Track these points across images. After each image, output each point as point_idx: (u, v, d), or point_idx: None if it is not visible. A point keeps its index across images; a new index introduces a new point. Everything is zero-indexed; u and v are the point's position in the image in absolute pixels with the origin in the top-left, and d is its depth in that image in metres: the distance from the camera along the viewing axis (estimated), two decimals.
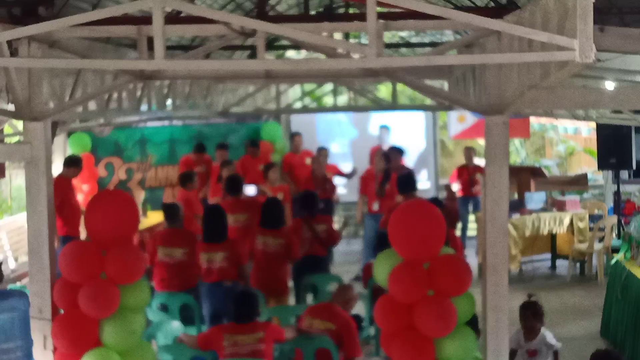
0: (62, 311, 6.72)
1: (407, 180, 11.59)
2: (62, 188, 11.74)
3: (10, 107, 7.15)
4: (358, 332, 8.36)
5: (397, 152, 14.28)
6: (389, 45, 14.89)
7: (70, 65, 6.67)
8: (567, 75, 5.01)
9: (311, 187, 14.25)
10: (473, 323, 6.67)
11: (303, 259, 10.25)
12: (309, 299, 10.31)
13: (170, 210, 10.24)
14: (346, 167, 16.42)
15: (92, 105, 10.08)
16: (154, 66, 5.27)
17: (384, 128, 16.80)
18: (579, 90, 7.39)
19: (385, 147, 15.56)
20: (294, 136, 16.31)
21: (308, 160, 15.66)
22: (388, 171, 13.54)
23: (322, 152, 15.29)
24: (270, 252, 9.90)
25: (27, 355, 5.95)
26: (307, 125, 17.73)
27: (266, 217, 10.09)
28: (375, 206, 13.72)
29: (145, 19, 6.12)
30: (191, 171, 12.88)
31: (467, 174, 15.63)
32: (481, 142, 17.05)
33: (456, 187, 15.59)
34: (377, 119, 18.08)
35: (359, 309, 9.31)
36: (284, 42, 12.32)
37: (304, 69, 8.39)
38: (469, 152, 15.85)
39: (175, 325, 8.64)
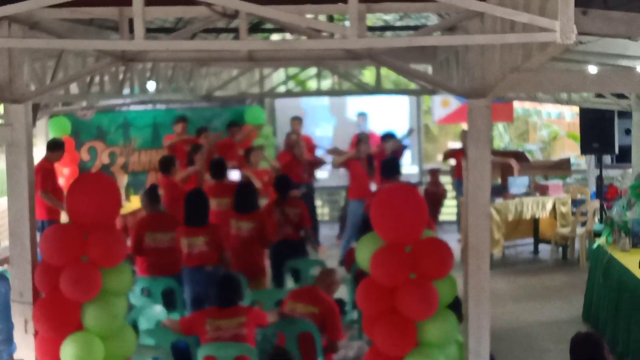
0: (43, 295, 6.68)
1: (390, 165, 11.63)
2: (44, 172, 11.72)
3: None
4: (341, 316, 8.37)
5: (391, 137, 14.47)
6: (373, 29, 14.85)
7: (49, 46, 6.61)
8: (549, 56, 5.00)
9: (298, 172, 14.34)
10: (456, 307, 6.67)
11: (278, 243, 10.28)
12: (291, 282, 10.34)
13: (150, 195, 10.19)
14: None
15: (74, 89, 10.04)
16: (133, 46, 5.23)
17: (362, 115, 16.84)
18: (561, 73, 7.40)
19: (364, 133, 15.66)
20: (293, 120, 16.27)
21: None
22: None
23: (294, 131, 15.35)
24: (244, 236, 9.92)
25: (7, 339, 5.88)
26: (291, 110, 17.68)
27: (239, 201, 10.10)
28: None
29: (126, 1, 6.07)
30: (172, 156, 12.82)
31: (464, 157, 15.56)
32: (465, 126, 17.08)
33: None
34: (356, 104, 18.05)
35: (342, 293, 9.33)
36: (268, 26, 12.29)
37: (287, 51, 8.36)
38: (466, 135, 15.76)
39: (158, 310, 8.62)
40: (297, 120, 16.13)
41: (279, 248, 10.37)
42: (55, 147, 12.45)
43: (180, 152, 14.35)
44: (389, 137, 14.75)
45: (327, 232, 16.61)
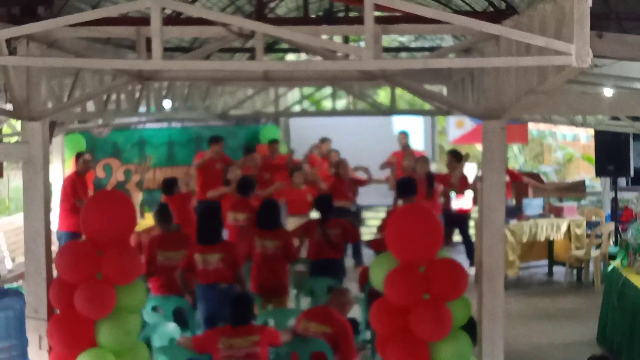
0: (57, 311, 6.70)
1: (406, 185, 11.62)
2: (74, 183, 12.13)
3: (9, 107, 7.15)
4: (354, 336, 8.35)
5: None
6: (388, 50, 14.90)
7: (67, 64, 6.68)
8: (564, 80, 5.02)
9: (343, 190, 14.43)
10: (470, 328, 6.65)
11: (316, 263, 10.30)
12: (306, 302, 10.32)
13: (162, 213, 10.21)
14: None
15: (90, 107, 10.09)
16: (151, 66, 5.28)
17: (403, 133, 16.78)
18: (576, 96, 7.40)
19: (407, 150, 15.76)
20: (322, 142, 16.37)
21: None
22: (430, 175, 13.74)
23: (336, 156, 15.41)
24: (269, 254, 9.91)
25: (22, 355, 5.93)
26: (306, 129, 17.74)
27: (263, 218, 10.11)
28: None
29: (144, 20, 6.13)
30: (174, 177, 12.91)
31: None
32: (479, 147, 17.09)
33: None
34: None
35: (355, 312, 9.31)
36: (284, 46, 12.34)
37: (302, 71, 8.40)
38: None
39: (171, 327, 8.61)
40: (326, 143, 16.19)
41: (316, 267, 10.39)
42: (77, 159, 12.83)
43: (210, 170, 14.49)
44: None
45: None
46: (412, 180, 12.11)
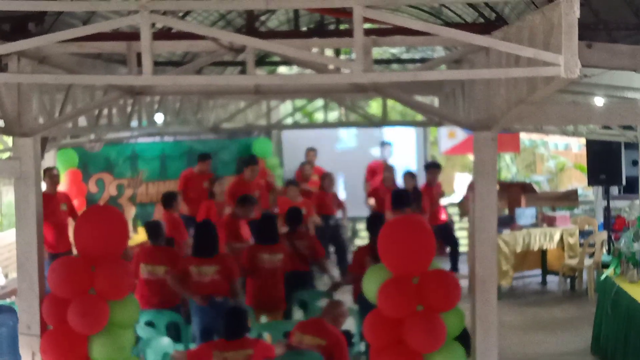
0: (50, 327, 6.69)
1: (399, 197, 11.64)
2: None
3: (0, 123, 7.14)
4: (348, 348, 8.35)
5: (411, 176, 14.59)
6: (379, 62, 14.92)
7: (58, 81, 6.69)
8: (553, 90, 5.05)
9: (327, 203, 14.50)
10: (464, 339, 6.66)
11: (286, 275, 10.29)
12: (299, 314, 10.32)
13: (152, 229, 10.22)
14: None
15: (82, 122, 10.09)
16: (142, 81, 5.28)
17: (386, 144, 16.82)
18: (567, 106, 7.42)
19: (387, 162, 15.80)
20: (308, 151, 16.41)
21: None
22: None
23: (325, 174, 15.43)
24: (269, 268, 9.92)
25: None
26: (298, 141, 17.75)
27: (263, 233, 10.12)
28: None
29: (135, 35, 6.13)
30: (174, 191, 12.86)
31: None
32: (472, 157, 17.15)
33: None
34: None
35: (349, 325, 9.31)
36: (275, 59, 12.36)
37: (293, 84, 8.42)
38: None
39: (165, 342, 8.61)
40: (312, 152, 16.25)
41: (286, 280, 10.37)
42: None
43: (197, 187, 14.55)
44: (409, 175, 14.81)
45: None
46: (405, 192, 12.15)
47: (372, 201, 15.38)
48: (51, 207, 12.28)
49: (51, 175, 12.54)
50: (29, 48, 6.36)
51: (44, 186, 12.22)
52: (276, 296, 9.98)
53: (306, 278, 10.71)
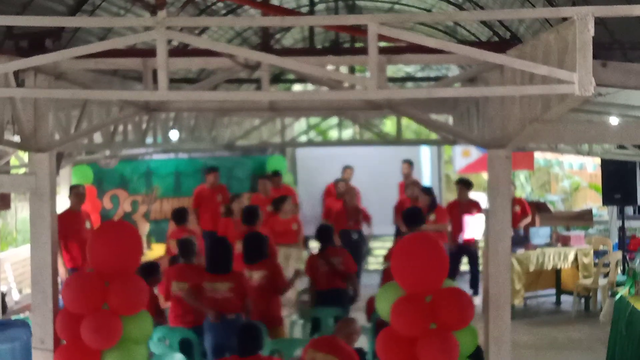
0: (64, 342, 6.70)
1: (413, 214, 11.62)
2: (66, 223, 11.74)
3: (16, 138, 7.18)
4: None
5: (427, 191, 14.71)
6: (394, 80, 14.95)
7: (74, 96, 6.72)
8: (568, 108, 5.04)
9: (343, 219, 14.55)
10: (478, 357, 6.63)
11: (325, 293, 10.29)
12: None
13: (185, 246, 10.24)
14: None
15: (97, 138, 10.13)
16: (157, 97, 5.31)
17: (407, 162, 16.85)
18: (582, 124, 7.43)
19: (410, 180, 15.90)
20: (345, 169, 16.53)
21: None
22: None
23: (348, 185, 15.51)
24: (255, 285, 9.89)
25: None
26: (312, 159, 17.79)
27: (247, 251, 10.12)
28: None
29: (150, 52, 6.17)
30: (184, 207, 12.90)
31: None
32: (486, 176, 17.12)
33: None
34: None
35: (362, 342, 9.28)
36: (290, 77, 12.40)
37: (308, 101, 8.44)
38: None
39: (178, 358, 8.62)
40: (349, 169, 16.37)
41: (324, 298, 10.39)
42: (71, 192, 12.61)
43: (210, 201, 14.69)
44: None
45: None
46: (418, 210, 12.13)
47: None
48: (77, 225, 12.36)
49: (77, 193, 12.60)
50: (46, 64, 6.41)
51: (67, 203, 12.31)
52: (269, 314, 9.92)
53: (343, 295, 10.72)
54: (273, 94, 6.39)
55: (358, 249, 14.86)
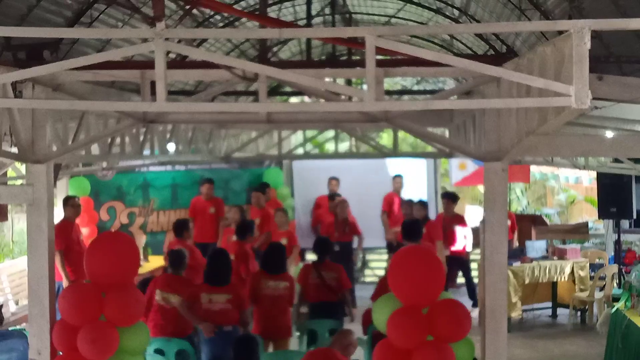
0: (60, 353, 6.70)
1: (411, 228, 11.62)
2: (66, 232, 11.73)
3: (14, 150, 7.20)
4: None
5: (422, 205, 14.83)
6: (390, 92, 15.00)
7: (72, 107, 6.74)
8: (564, 121, 5.06)
9: (332, 231, 14.66)
10: None
11: (313, 305, 10.29)
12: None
13: (176, 258, 10.22)
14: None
15: (95, 150, 10.15)
16: (155, 108, 5.33)
17: (398, 177, 16.90)
18: (578, 137, 7.43)
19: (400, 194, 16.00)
20: (330, 180, 16.63)
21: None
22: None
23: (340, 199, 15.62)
24: (275, 296, 9.93)
25: None
26: (309, 171, 17.82)
27: (269, 261, 10.14)
28: None
29: (148, 64, 6.20)
30: (186, 219, 12.90)
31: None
32: (482, 188, 17.13)
33: None
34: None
35: (359, 355, 9.28)
36: (287, 89, 12.41)
37: (305, 113, 8.46)
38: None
39: None
40: (334, 181, 16.43)
41: (314, 310, 10.40)
42: (65, 204, 12.55)
43: (204, 214, 14.79)
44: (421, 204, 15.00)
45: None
46: (417, 223, 12.13)
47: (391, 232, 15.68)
48: (75, 235, 12.37)
49: (74, 204, 12.58)
50: (44, 75, 6.43)
51: (62, 214, 12.29)
52: (282, 325, 9.98)
53: (333, 308, 10.72)
54: (270, 105, 6.42)
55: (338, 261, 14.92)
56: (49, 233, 7.01)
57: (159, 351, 9.40)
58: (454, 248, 14.66)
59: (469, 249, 15.08)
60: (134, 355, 6.68)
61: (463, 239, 14.82)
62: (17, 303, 13.38)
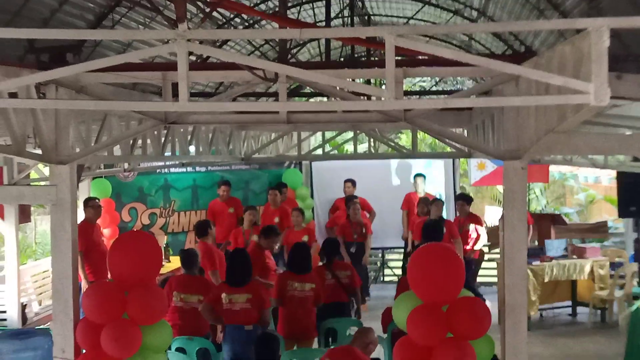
0: (84, 351, 6.78)
1: (433, 228, 11.64)
2: (86, 233, 11.81)
3: (38, 151, 7.29)
4: None
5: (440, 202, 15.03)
6: (409, 93, 15.02)
7: (96, 107, 6.82)
8: (583, 119, 5.09)
9: (348, 232, 14.84)
10: None
11: (326, 306, 10.33)
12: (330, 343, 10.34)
13: (187, 257, 10.32)
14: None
15: (117, 151, 10.24)
16: (178, 108, 5.40)
17: (420, 176, 16.95)
18: (596, 136, 7.46)
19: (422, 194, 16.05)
20: (346, 182, 16.70)
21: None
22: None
23: (355, 201, 15.68)
24: (301, 297, 9.98)
25: None
26: (327, 172, 17.87)
27: (296, 262, 10.19)
28: None
29: (170, 65, 6.27)
30: (207, 220, 13.00)
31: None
32: (501, 188, 17.09)
33: None
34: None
35: (379, 353, 9.32)
36: (307, 90, 12.47)
37: (324, 114, 8.50)
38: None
39: None
40: (348, 183, 16.49)
41: (325, 310, 10.43)
42: (86, 205, 12.63)
43: (223, 214, 14.91)
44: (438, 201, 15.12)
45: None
46: (439, 223, 12.17)
47: (409, 235, 15.77)
48: (97, 236, 12.47)
49: (94, 206, 12.68)
50: (67, 78, 6.52)
51: (83, 216, 12.38)
52: (307, 325, 10.03)
53: (345, 308, 10.78)
54: (290, 104, 6.48)
55: (357, 261, 15.10)
56: (73, 233, 7.09)
57: (180, 350, 9.49)
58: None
59: (476, 247, 15.15)
60: (157, 352, 6.74)
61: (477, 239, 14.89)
62: (40, 303, 13.51)
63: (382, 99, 4.88)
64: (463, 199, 15.32)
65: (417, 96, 16.36)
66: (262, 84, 7.00)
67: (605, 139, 7.25)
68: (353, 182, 16.66)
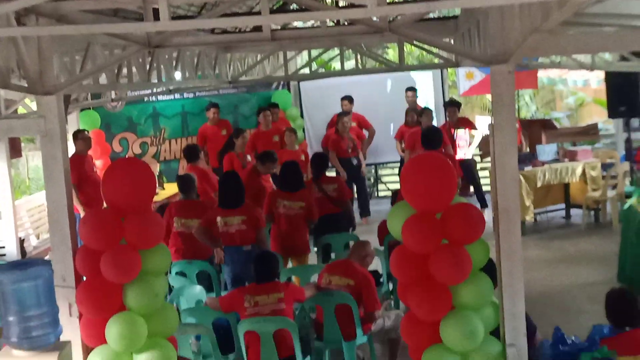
0: (85, 278, 6.84)
1: (432, 135, 11.64)
2: (78, 165, 11.83)
3: (23, 83, 7.25)
4: (376, 288, 8.48)
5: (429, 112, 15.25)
6: (393, 3, 14.86)
7: (76, 32, 6.71)
8: (568, 14, 5.05)
9: (342, 147, 15.18)
10: (490, 270, 6.72)
11: (319, 220, 10.41)
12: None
13: (184, 182, 10.36)
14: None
15: (102, 81, 10.19)
16: (160, 27, 5.35)
17: (412, 90, 16.93)
18: (581, 34, 7.43)
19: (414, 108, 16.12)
20: (342, 100, 16.65)
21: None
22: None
23: (342, 116, 15.68)
24: (292, 215, 10.05)
25: (53, 322, 6.04)
26: (315, 90, 17.82)
27: (286, 180, 10.24)
28: None
29: None
30: (195, 145, 12.97)
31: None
32: (490, 97, 17.07)
33: None
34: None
35: (376, 265, 9.44)
36: (292, 8, 12.33)
37: (309, 30, 8.45)
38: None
39: (197, 290, 8.78)
40: (345, 100, 16.43)
41: (319, 225, 10.51)
42: (75, 137, 12.60)
43: (216, 136, 14.92)
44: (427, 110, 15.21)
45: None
46: (437, 131, 12.16)
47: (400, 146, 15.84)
48: (89, 167, 12.50)
49: (84, 137, 12.68)
50: (46, 6, 6.45)
51: (73, 149, 12.39)
52: (299, 242, 10.13)
53: (338, 219, 10.87)
54: (273, 17, 6.41)
55: (358, 174, 15.38)
56: (64, 162, 7.09)
57: (180, 274, 9.59)
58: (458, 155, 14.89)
59: (468, 155, 15.29)
60: (157, 276, 6.79)
61: (465, 145, 15.00)
62: (37, 237, 13.59)
63: (366, 6, 4.86)
64: (451, 105, 15.48)
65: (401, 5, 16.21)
66: (243, 3, 6.92)
67: (591, 37, 7.24)
68: (350, 99, 16.56)
